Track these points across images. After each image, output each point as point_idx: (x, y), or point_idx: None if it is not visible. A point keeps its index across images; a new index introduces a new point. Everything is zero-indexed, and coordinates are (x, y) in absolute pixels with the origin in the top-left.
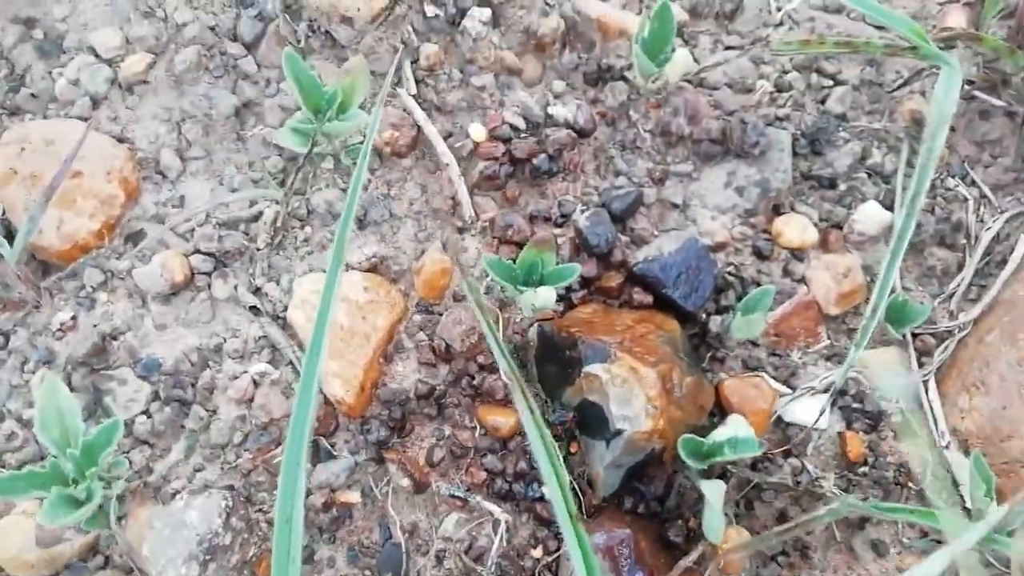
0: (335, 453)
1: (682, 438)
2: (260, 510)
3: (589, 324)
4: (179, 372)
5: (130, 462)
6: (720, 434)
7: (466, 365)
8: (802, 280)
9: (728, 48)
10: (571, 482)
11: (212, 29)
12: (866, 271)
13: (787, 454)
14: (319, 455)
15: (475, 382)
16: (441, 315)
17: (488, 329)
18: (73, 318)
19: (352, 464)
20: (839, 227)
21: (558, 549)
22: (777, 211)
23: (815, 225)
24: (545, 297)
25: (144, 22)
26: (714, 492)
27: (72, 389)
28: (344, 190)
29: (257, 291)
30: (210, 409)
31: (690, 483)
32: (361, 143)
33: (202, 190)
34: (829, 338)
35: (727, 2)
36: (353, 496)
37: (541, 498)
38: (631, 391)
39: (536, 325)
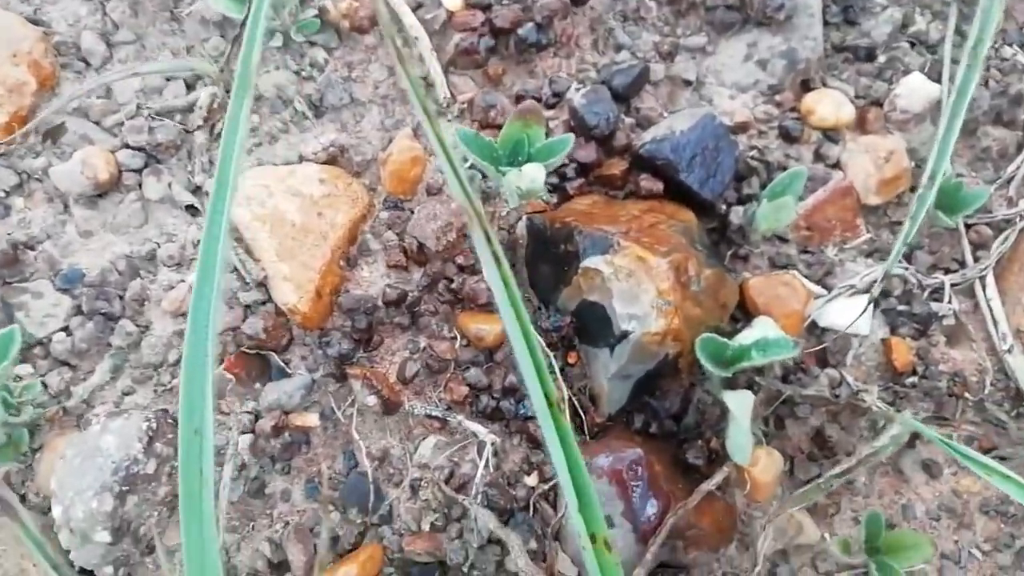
0: (289, 371)
1: (701, 338)
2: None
3: (588, 215)
4: (105, 283)
5: (45, 386)
6: (746, 337)
7: (443, 267)
8: (837, 165)
9: None
10: (570, 398)
11: None
12: (911, 155)
13: (823, 363)
14: (269, 373)
15: (454, 285)
16: (412, 212)
17: (465, 197)
18: None
19: (309, 382)
20: (879, 104)
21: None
22: (807, 87)
23: (851, 102)
24: (532, 177)
25: None
26: (740, 405)
27: None
28: (297, 72)
29: (196, 190)
30: (141, 324)
31: (711, 397)
32: (316, 18)
33: (132, 79)
34: (869, 231)
35: None
36: (311, 419)
37: (535, 417)
38: (638, 285)
39: (525, 219)
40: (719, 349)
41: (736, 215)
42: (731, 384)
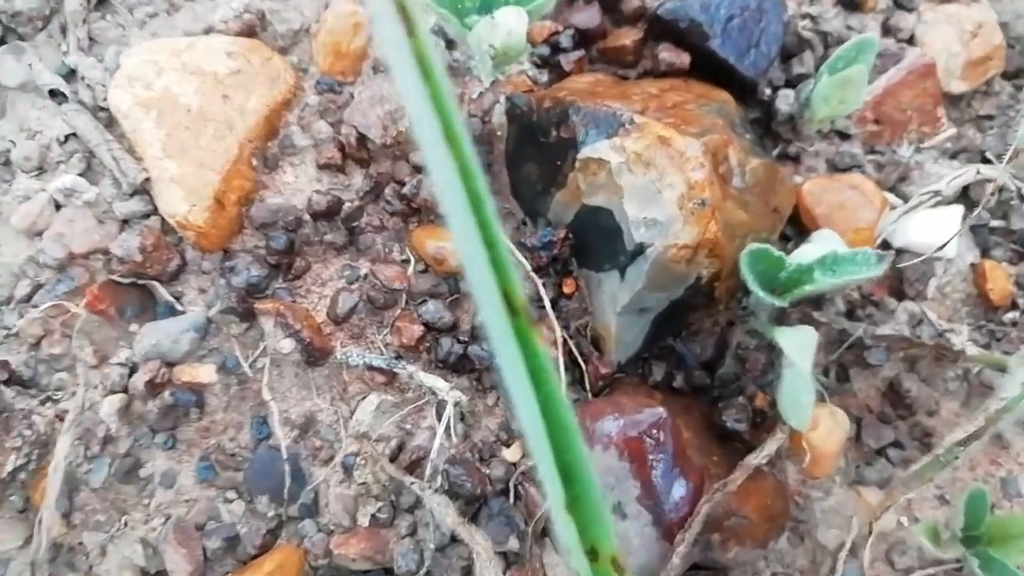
0: (179, 308)
1: (749, 249)
2: (49, 398)
3: (588, 93)
4: None
5: None
6: (804, 255)
7: (393, 167)
8: (911, 41)
9: None
10: (564, 341)
11: None
12: (1004, 30)
13: (899, 295)
14: (151, 309)
15: (406, 190)
16: (353, 96)
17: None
18: None
19: (202, 321)
20: None
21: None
22: None
23: None
24: (509, 28)
25: None
26: (799, 346)
27: None
28: None
29: (70, 75)
30: None
31: (755, 340)
32: None
33: None
34: (953, 124)
35: None
36: (205, 372)
37: None
38: (660, 178)
39: (504, 100)
40: (773, 266)
41: (785, 101)
42: (782, 320)
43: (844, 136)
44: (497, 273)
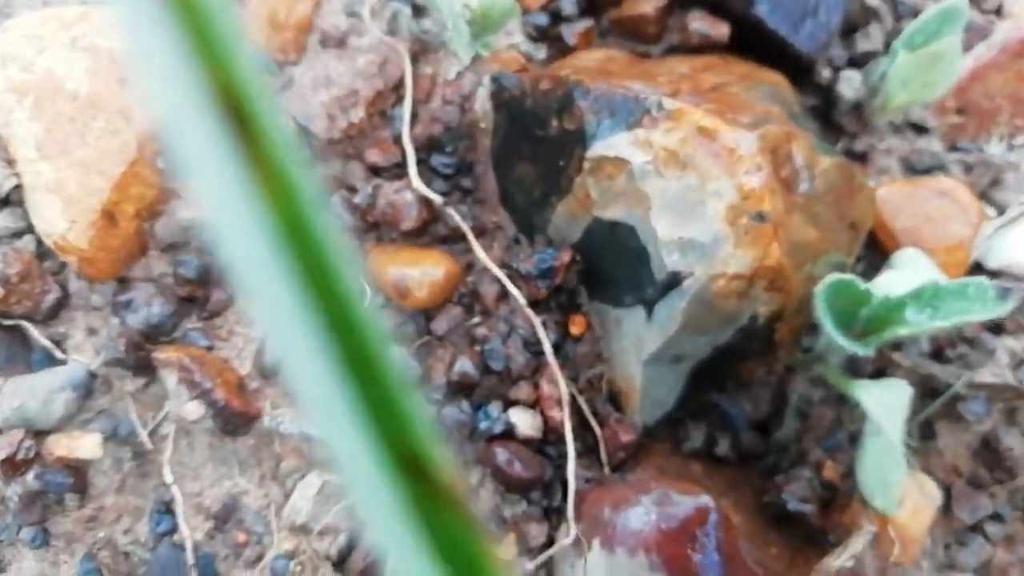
0: (60, 356)
1: (828, 282)
2: None
3: (600, 72)
4: None
5: None
6: (891, 284)
7: (344, 168)
8: (999, 12)
9: None
10: (572, 399)
11: None
12: None
13: (997, 329)
14: (23, 357)
15: (359, 199)
16: (293, 66)
17: None
18: None
19: (84, 376)
20: None
21: (559, 525)
22: None
23: None
24: None
25: None
26: (889, 408)
27: None
28: None
29: None
30: None
31: (820, 389)
32: None
33: None
34: None
35: None
36: (89, 444)
37: (509, 433)
38: (702, 185)
39: (489, 80)
40: (855, 302)
41: (849, 85)
42: (856, 367)
43: (920, 129)
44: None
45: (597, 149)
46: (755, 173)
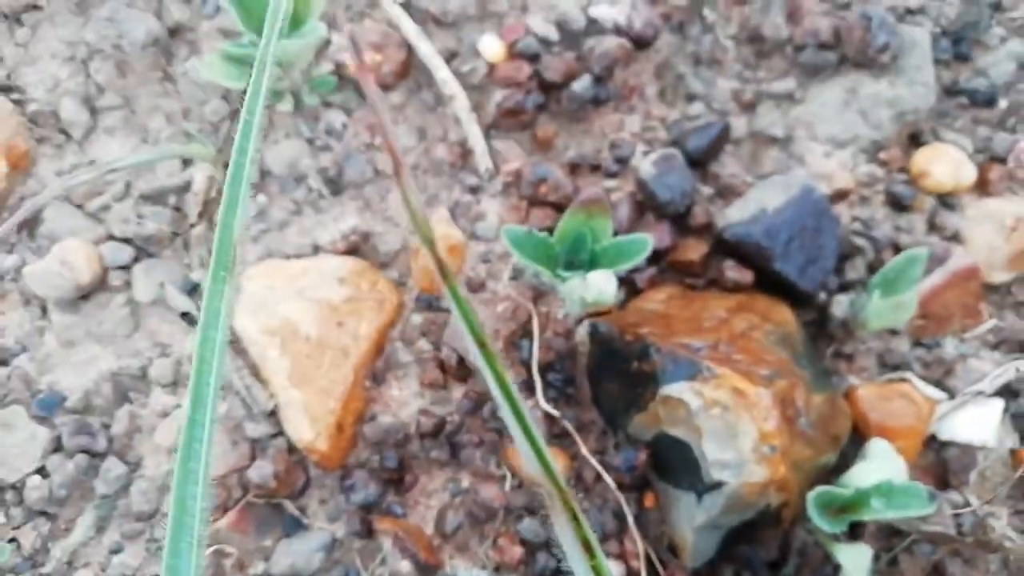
0: (305, 522)
1: (814, 494)
2: None
3: (664, 320)
4: (89, 409)
5: (18, 544)
6: (861, 475)
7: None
8: (955, 238)
9: None
10: (645, 549)
11: None
12: None
13: (943, 484)
14: (283, 526)
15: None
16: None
17: (547, 476)
18: None
19: (329, 541)
20: (1001, 160)
21: None
22: (916, 140)
23: (969, 159)
24: (600, 288)
25: None
26: (856, 563)
27: None
28: (311, 141)
29: (193, 290)
30: (130, 461)
31: (814, 535)
32: (332, 75)
33: (120, 151)
34: (993, 316)
35: None
36: None
37: None
38: (735, 425)
39: (587, 323)
40: (831, 501)
41: (839, 307)
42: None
43: (893, 332)
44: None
45: (666, 390)
46: (770, 420)
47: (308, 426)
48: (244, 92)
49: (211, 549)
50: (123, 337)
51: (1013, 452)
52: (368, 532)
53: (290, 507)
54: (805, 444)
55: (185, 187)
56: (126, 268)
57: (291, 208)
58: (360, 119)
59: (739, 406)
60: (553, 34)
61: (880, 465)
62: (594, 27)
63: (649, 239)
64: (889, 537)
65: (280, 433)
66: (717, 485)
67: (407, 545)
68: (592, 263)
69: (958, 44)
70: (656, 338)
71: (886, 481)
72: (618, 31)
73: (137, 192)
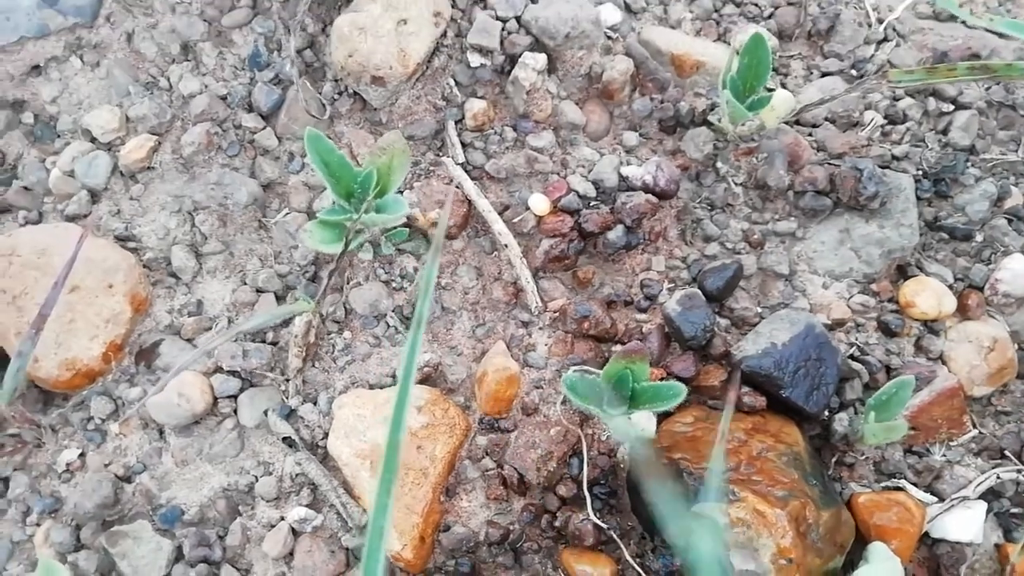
0: None
1: None
2: None
3: (692, 444)
4: (205, 521)
5: None
6: None
7: (544, 498)
8: (940, 358)
9: (826, 74)
10: None
11: (223, 99)
12: (1015, 338)
13: None
14: None
15: (557, 522)
16: (509, 432)
17: None
18: (81, 455)
19: None
20: (979, 288)
21: None
22: (903, 273)
23: (950, 289)
24: (643, 426)
25: (145, 97)
26: None
27: (80, 547)
28: (387, 283)
29: (291, 414)
30: (242, 568)
31: None
32: (405, 227)
33: (222, 291)
34: (975, 426)
35: (820, 19)
36: None
37: None
38: (756, 538)
39: (628, 447)
40: None
41: (840, 424)
42: None
43: (889, 444)
44: None
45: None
46: (786, 536)
47: (396, 538)
48: (340, 255)
49: None
50: (231, 457)
51: (998, 547)
52: None
53: None
54: (815, 554)
55: (281, 324)
56: (233, 397)
57: (372, 342)
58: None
59: (759, 524)
60: (591, 191)
61: (880, 567)
62: (624, 184)
63: (683, 387)
64: None
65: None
66: None
67: None
68: (633, 399)
69: (938, 184)
70: (688, 462)
71: None
72: (645, 187)
73: (240, 334)
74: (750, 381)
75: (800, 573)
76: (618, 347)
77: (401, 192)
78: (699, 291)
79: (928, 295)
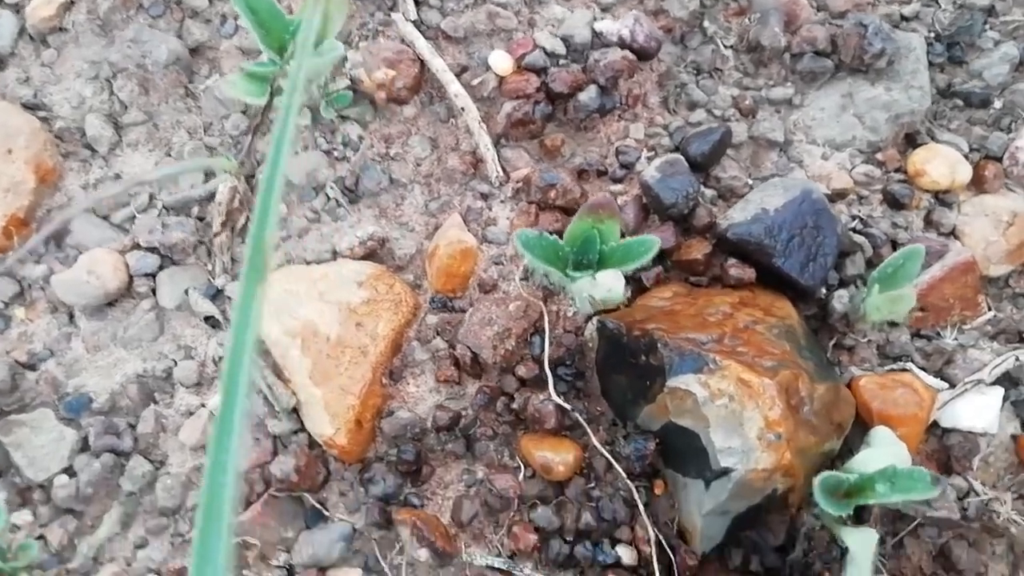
0: (327, 514)
1: (820, 478)
2: None
3: (670, 316)
4: (116, 410)
5: (46, 541)
6: (866, 461)
7: (501, 380)
8: (952, 234)
9: None
10: (656, 535)
11: None
12: None
13: (947, 470)
14: (305, 518)
15: (515, 404)
16: (464, 312)
17: None
18: None
19: (349, 531)
20: (996, 159)
21: None
22: (912, 141)
23: (965, 158)
24: (609, 286)
25: None
26: (862, 547)
27: None
28: (329, 153)
29: (217, 295)
30: (155, 459)
31: (820, 520)
32: (348, 90)
33: (144, 164)
34: (991, 308)
35: None
36: (352, 575)
37: (617, 563)
38: (740, 413)
39: (595, 321)
40: (836, 485)
41: (839, 301)
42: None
43: (893, 324)
44: None
45: (673, 381)
46: (775, 408)
47: (328, 422)
48: (264, 108)
49: (235, 541)
50: (148, 342)
51: (1015, 438)
52: (387, 523)
53: (310, 500)
54: (809, 431)
55: (208, 198)
56: (151, 276)
57: (310, 216)
58: (375, 131)
59: (744, 396)
60: (560, 48)
61: (884, 451)
62: (599, 41)
63: (656, 239)
64: (894, 522)
65: (301, 429)
66: (724, 472)
67: (424, 534)
68: (601, 263)
69: (952, 48)
70: (663, 333)
71: (890, 466)
72: (621, 43)
73: (161, 203)
74: (738, 251)
75: (791, 452)
76: None
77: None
78: (682, 157)
79: (940, 162)
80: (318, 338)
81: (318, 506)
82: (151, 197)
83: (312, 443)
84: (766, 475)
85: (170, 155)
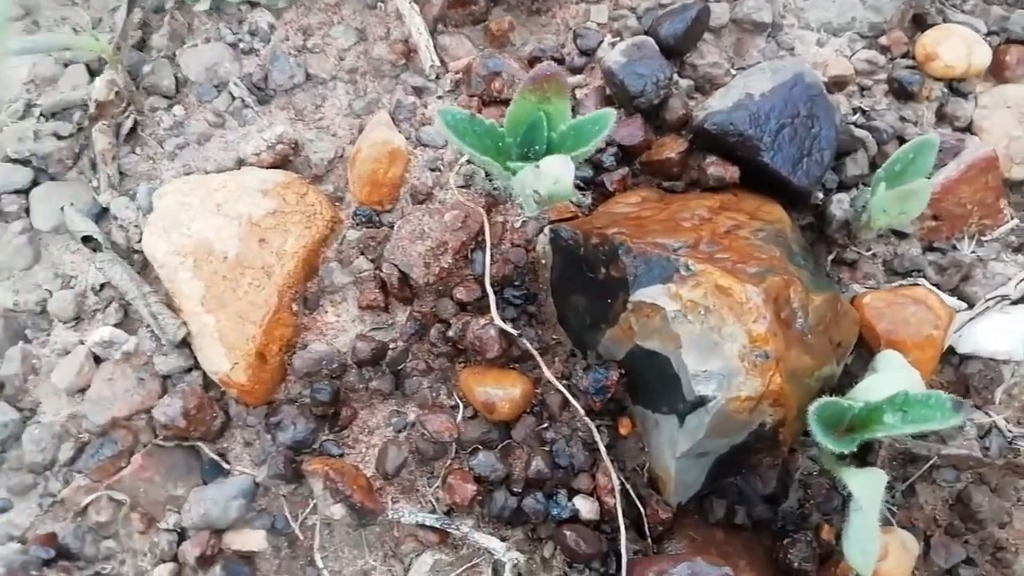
0: (226, 467)
1: (816, 407)
2: (97, 574)
3: (637, 222)
4: None
5: None
6: (871, 389)
7: (436, 304)
8: (968, 128)
9: None
10: (621, 483)
11: None
12: None
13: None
14: (200, 472)
15: (452, 332)
16: (392, 227)
17: None
18: None
19: (250, 486)
20: (1020, 42)
21: None
22: (921, 23)
23: (984, 40)
24: (556, 176)
25: None
26: (868, 491)
27: None
28: (235, 45)
29: (102, 214)
30: (24, 407)
31: (818, 464)
32: None
33: (18, 64)
34: (1014, 216)
35: None
36: (255, 539)
37: (575, 518)
38: (719, 327)
39: (548, 230)
40: (837, 416)
41: (839, 206)
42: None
43: (901, 235)
44: None
45: (637, 295)
46: (761, 321)
47: (223, 355)
48: None
49: (112, 499)
50: (21, 270)
51: None
52: (296, 476)
53: (207, 450)
54: (803, 351)
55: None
56: (23, 192)
57: (212, 119)
58: (291, 21)
59: (723, 307)
60: None
61: (892, 377)
62: None
63: (611, 111)
64: (904, 465)
65: (196, 367)
66: (701, 402)
67: (339, 487)
68: (549, 152)
69: None
70: (626, 238)
71: (901, 392)
72: None
73: (37, 111)
74: (718, 146)
75: (781, 375)
76: None
77: None
78: (651, 39)
79: (954, 43)
80: (213, 257)
81: (216, 458)
82: (28, 105)
83: (208, 383)
84: (751, 404)
85: (50, 54)
